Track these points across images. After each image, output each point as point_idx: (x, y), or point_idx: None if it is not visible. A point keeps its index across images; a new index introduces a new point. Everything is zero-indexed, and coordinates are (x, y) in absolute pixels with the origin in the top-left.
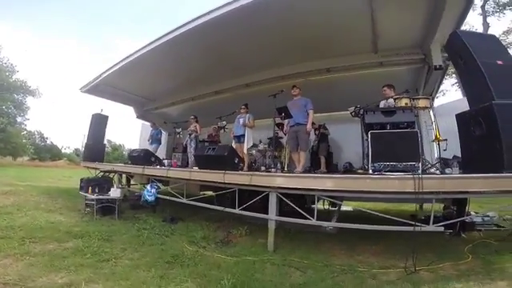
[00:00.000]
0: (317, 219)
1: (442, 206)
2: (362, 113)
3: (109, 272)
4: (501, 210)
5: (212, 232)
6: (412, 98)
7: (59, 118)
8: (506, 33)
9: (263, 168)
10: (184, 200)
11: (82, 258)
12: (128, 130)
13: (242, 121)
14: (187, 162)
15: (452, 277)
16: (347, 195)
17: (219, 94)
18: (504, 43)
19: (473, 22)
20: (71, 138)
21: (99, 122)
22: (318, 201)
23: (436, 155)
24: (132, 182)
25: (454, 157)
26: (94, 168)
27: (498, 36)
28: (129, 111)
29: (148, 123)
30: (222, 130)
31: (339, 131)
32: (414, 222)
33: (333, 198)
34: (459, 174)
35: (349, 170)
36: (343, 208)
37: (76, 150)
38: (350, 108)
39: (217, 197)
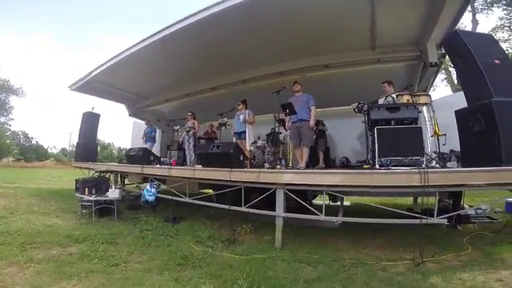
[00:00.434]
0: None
1: (437, 198)
2: (365, 109)
3: (121, 277)
4: (491, 203)
5: (216, 231)
6: (413, 94)
7: (44, 117)
8: (494, 30)
9: (267, 165)
10: (186, 199)
11: (90, 264)
12: (116, 127)
13: (242, 117)
14: (183, 160)
15: (457, 267)
16: (356, 190)
17: (216, 90)
18: None
19: (462, 19)
20: (57, 137)
21: (91, 121)
22: (315, 197)
23: (433, 150)
24: (126, 181)
25: (451, 151)
26: (86, 168)
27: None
28: (117, 109)
29: (140, 121)
30: (224, 127)
31: (335, 127)
32: (420, 215)
33: (341, 193)
34: (459, 167)
35: (346, 164)
36: (341, 203)
37: (63, 149)
38: (353, 104)
39: (216, 195)
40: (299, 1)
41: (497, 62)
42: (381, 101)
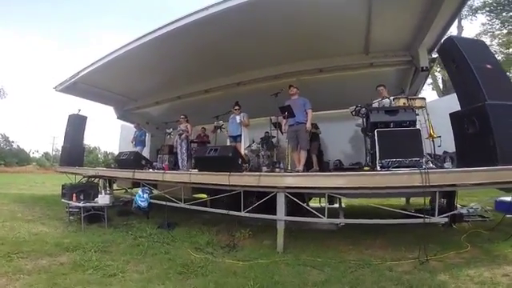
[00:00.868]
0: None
1: (429, 198)
2: (363, 112)
3: None
4: (479, 202)
5: (214, 236)
6: (409, 98)
7: (26, 120)
8: (478, 35)
9: (265, 168)
10: (182, 204)
11: (85, 274)
12: (102, 131)
13: (238, 118)
14: (174, 164)
15: (461, 264)
16: (358, 192)
17: (209, 93)
18: None
19: None
20: (40, 141)
21: (77, 123)
22: (310, 199)
23: (427, 151)
24: (115, 186)
25: (445, 152)
26: (72, 173)
27: None
28: (103, 111)
29: (128, 124)
30: (219, 130)
31: (326, 130)
32: (422, 215)
33: (342, 195)
34: (454, 168)
35: (340, 167)
36: (336, 205)
37: (46, 153)
38: (351, 107)
39: (211, 200)
40: (295, 6)
41: (489, 66)
42: (376, 104)
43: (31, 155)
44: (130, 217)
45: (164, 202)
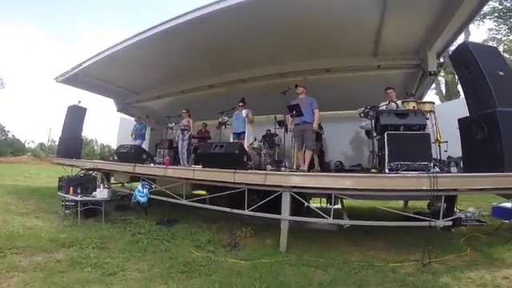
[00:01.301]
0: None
1: (427, 202)
2: (372, 114)
3: None
4: (477, 208)
5: (215, 234)
6: (418, 101)
7: (23, 110)
8: (485, 41)
9: (269, 167)
10: (183, 201)
11: (83, 273)
12: (100, 123)
13: (244, 113)
14: (174, 159)
15: (462, 267)
16: (365, 193)
17: (213, 88)
18: None
19: None
20: (36, 131)
21: (76, 115)
22: (310, 199)
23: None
24: (112, 180)
25: (449, 157)
26: (69, 165)
27: None
28: (102, 103)
29: (128, 117)
30: (224, 126)
31: (328, 131)
32: (428, 218)
33: (349, 196)
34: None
35: (341, 168)
36: (336, 206)
37: (41, 144)
38: (360, 109)
39: (210, 197)
40: (307, 6)
41: (501, 73)
42: (383, 106)
43: (26, 145)
44: (127, 212)
45: (164, 198)
